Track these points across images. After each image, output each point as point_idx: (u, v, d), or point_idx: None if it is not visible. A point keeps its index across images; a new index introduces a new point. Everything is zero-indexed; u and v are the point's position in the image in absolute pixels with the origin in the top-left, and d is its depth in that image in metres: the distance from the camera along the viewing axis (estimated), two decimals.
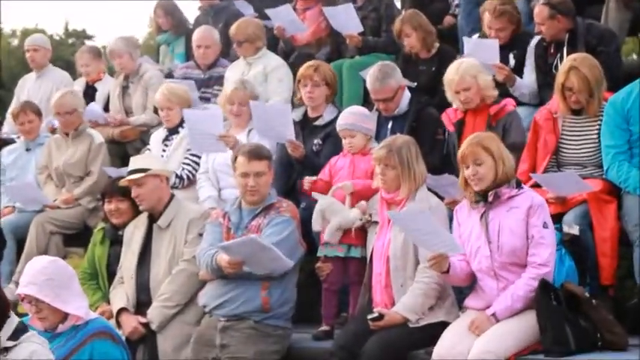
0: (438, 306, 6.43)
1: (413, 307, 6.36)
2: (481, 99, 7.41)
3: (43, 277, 5.40)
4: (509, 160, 6.14)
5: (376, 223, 6.88)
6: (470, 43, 8.31)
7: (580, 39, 8.03)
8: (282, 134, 7.67)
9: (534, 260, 5.95)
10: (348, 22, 9.57)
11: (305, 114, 8.12)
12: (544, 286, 5.93)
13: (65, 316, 5.48)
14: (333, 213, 7.07)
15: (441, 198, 6.95)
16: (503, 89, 7.91)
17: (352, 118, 7.46)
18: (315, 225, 7.16)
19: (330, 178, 7.41)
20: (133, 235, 7.41)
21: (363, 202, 7.07)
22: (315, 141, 7.94)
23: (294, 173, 7.90)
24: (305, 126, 8.06)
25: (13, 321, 4.99)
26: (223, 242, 6.84)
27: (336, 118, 7.80)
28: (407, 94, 7.88)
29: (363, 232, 7.07)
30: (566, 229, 6.53)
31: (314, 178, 7.41)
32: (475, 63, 7.52)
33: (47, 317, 5.46)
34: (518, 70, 8.27)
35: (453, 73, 7.43)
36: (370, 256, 6.78)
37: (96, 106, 9.85)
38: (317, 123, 8.01)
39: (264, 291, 6.80)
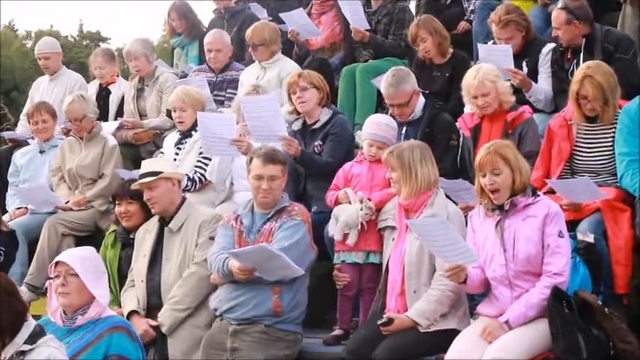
0: (450, 314, 6.43)
1: (424, 312, 6.36)
2: (499, 105, 7.41)
3: (80, 254, 5.68)
4: (526, 169, 6.13)
5: (393, 228, 6.90)
6: (483, 49, 8.31)
7: (597, 45, 8.01)
8: (274, 130, 7.65)
9: (550, 269, 5.93)
10: (355, 15, 9.63)
11: (304, 122, 8.16)
12: (556, 293, 5.90)
13: (87, 303, 5.57)
14: (341, 213, 7.15)
15: (454, 203, 6.95)
16: (519, 97, 7.90)
17: (382, 130, 7.50)
18: (331, 229, 7.21)
19: (345, 184, 7.44)
20: (144, 238, 7.43)
21: (360, 193, 7.16)
22: (316, 143, 8.01)
23: (301, 179, 7.95)
24: (305, 133, 8.12)
25: (30, 324, 5.03)
26: (235, 247, 6.88)
27: (332, 118, 7.94)
28: (421, 100, 7.90)
29: (380, 236, 7.11)
30: (580, 237, 6.51)
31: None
32: (494, 68, 7.52)
33: (71, 294, 5.55)
34: (532, 78, 8.23)
35: (471, 78, 7.42)
36: (387, 262, 6.80)
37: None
38: (315, 127, 8.08)
39: (275, 295, 6.81)
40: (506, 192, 6.05)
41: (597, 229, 6.53)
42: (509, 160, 6.05)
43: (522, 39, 8.44)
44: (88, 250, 5.83)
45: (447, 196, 6.90)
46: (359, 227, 7.11)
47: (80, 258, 5.63)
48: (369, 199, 7.17)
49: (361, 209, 7.08)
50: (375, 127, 7.54)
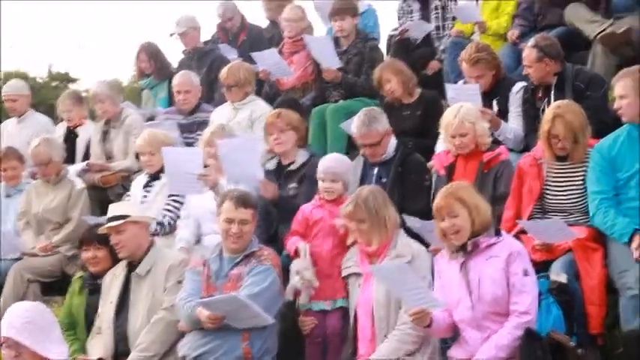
0: (420, 352, 6.46)
1: (387, 352, 6.40)
2: (475, 145, 7.51)
3: (23, 320, 5.39)
4: (485, 208, 6.20)
5: (358, 275, 6.95)
6: (451, 88, 8.42)
7: (568, 83, 8.13)
8: (251, 173, 7.72)
9: (516, 309, 5.98)
10: (326, 54, 9.70)
11: (279, 163, 8.21)
12: (529, 335, 5.95)
13: None
14: (292, 274, 7.25)
15: (426, 244, 7.01)
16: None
17: (338, 164, 7.58)
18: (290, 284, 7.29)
19: (306, 229, 7.49)
20: (112, 283, 7.43)
21: (300, 267, 7.18)
22: (291, 185, 8.06)
23: (274, 221, 7.97)
24: (280, 174, 8.16)
25: None
26: (203, 292, 6.90)
27: (309, 160, 8.01)
28: (393, 140, 7.98)
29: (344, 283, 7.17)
30: (553, 277, 6.56)
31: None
32: (474, 108, 7.62)
33: None
34: (502, 117, 8.34)
35: (452, 117, 7.51)
36: (354, 309, 6.84)
37: None
38: (291, 168, 8.14)
39: (245, 342, 6.81)
40: (467, 232, 6.12)
41: (570, 269, 6.58)
42: (466, 201, 6.13)
43: (492, 77, 8.55)
44: (30, 311, 5.49)
45: (419, 237, 6.98)
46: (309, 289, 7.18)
47: (23, 325, 5.36)
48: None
49: (298, 282, 7.15)
50: (324, 162, 7.63)
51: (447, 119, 7.55)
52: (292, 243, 7.42)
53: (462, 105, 7.64)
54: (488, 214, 6.22)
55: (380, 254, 6.66)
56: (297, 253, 7.34)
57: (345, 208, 6.78)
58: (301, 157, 8.19)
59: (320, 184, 7.57)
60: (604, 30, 8.97)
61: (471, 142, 7.48)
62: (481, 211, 6.14)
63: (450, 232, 6.14)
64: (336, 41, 10.03)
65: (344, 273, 7.17)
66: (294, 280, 7.18)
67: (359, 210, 6.69)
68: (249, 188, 7.52)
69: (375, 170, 7.93)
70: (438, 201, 6.21)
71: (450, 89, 8.43)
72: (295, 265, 7.25)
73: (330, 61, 9.71)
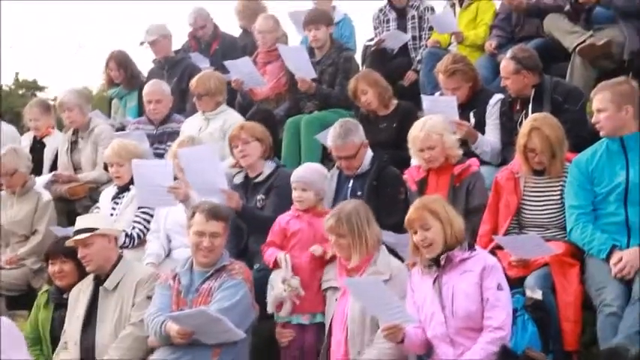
0: None
1: None
2: (445, 158, 7.50)
3: None
4: (458, 222, 6.20)
5: (336, 288, 6.94)
6: (427, 100, 8.42)
7: (546, 96, 8.14)
8: (214, 183, 7.67)
9: (490, 324, 5.97)
10: (301, 64, 9.68)
11: (246, 176, 8.20)
12: (504, 352, 5.94)
13: None
14: (274, 284, 7.21)
15: (401, 258, 7.00)
16: (465, 149, 7.99)
17: (309, 173, 7.57)
18: (269, 295, 7.26)
19: (284, 239, 7.45)
20: (78, 298, 7.37)
21: (287, 276, 7.15)
22: (259, 197, 8.04)
23: (244, 235, 7.93)
24: (247, 187, 8.15)
25: None
26: (172, 307, 6.86)
27: (275, 171, 8.03)
28: (369, 153, 7.97)
29: (323, 297, 7.16)
30: (528, 293, 6.55)
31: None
32: (441, 121, 7.61)
33: None
34: (479, 129, 8.35)
35: (418, 130, 7.52)
36: (330, 323, 6.82)
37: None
38: (257, 180, 8.12)
39: (215, 357, 6.77)
40: (439, 245, 6.12)
41: (545, 284, 6.57)
42: (439, 214, 6.14)
43: (469, 89, 8.55)
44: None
45: (394, 251, 6.96)
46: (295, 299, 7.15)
47: None
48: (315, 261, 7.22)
49: (285, 290, 7.11)
50: (296, 171, 7.64)
51: (414, 133, 7.57)
52: (271, 254, 7.40)
53: (429, 118, 7.66)
54: (462, 227, 6.22)
55: (359, 270, 6.63)
56: (276, 264, 7.31)
57: (327, 222, 6.75)
58: (268, 168, 8.18)
59: (293, 193, 7.54)
60: (583, 41, 8.98)
61: (440, 154, 7.48)
62: (454, 224, 6.15)
63: (423, 245, 6.13)
64: (311, 51, 10.02)
65: (323, 286, 7.18)
66: (279, 289, 7.13)
67: (340, 225, 6.67)
68: (213, 197, 7.49)
69: (350, 183, 7.94)
70: (410, 213, 6.23)
71: (426, 101, 8.43)
72: (278, 275, 7.22)
73: (305, 72, 9.69)
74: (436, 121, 7.59)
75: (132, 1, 49.08)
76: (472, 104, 8.50)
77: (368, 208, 6.80)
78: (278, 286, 7.16)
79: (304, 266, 7.29)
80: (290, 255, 7.31)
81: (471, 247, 6.21)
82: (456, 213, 6.26)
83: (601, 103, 6.70)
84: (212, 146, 8.15)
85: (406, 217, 6.26)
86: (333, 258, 7.11)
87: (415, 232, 6.17)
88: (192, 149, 8.04)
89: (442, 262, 6.12)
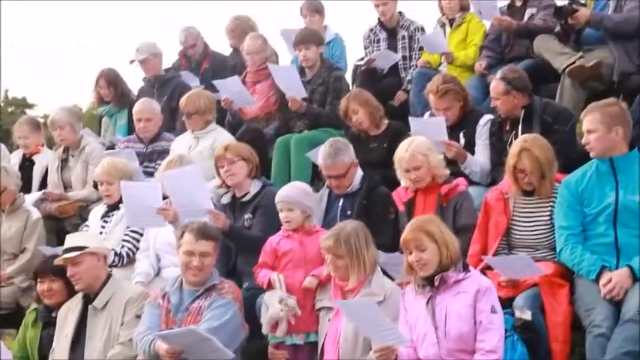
0: None
1: None
2: (432, 178, 7.54)
3: None
4: (454, 243, 6.22)
5: (330, 309, 6.96)
6: (415, 122, 8.46)
7: (536, 116, 8.19)
8: (200, 204, 7.70)
9: (483, 347, 5.98)
10: (291, 83, 9.72)
11: (233, 195, 8.23)
12: None
13: None
14: (269, 304, 7.21)
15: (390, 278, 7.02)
16: (455, 169, 8.04)
17: (292, 191, 7.58)
18: (263, 315, 7.27)
19: (275, 260, 7.48)
20: (67, 316, 7.37)
21: (284, 295, 7.17)
22: (246, 216, 8.06)
23: (232, 254, 7.97)
24: (234, 206, 8.18)
25: None
26: (161, 326, 6.86)
27: (262, 190, 8.05)
28: (359, 172, 8.01)
29: (317, 317, 7.18)
30: (517, 313, 6.57)
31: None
32: (426, 141, 7.65)
33: None
34: (469, 149, 8.40)
35: (403, 151, 7.56)
36: (323, 342, 6.84)
37: None
38: (244, 199, 8.15)
39: None
40: (434, 266, 6.14)
41: (535, 305, 6.60)
42: (434, 235, 6.15)
43: (460, 109, 8.60)
44: None
45: (384, 271, 6.98)
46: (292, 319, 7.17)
47: None
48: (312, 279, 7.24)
49: (282, 310, 7.13)
50: (280, 192, 7.65)
51: (400, 154, 7.61)
52: (264, 275, 7.41)
53: (414, 138, 7.70)
54: (457, 248, 6.24)
55: (354, 291, 6.64)
56: (269, 285, 7.34)
57: (325, 241, 6.75)
58: (254, 187, 8.20)
59: (280, 214, 7.57)
60: (573, 63, 9.05)
61: (426, 174, 7.52)
62: (450, 246, 6.17)
63: (418, 265, 6.15)
64: (301, 70, 10.07)
65: (317, 306, 7.20)
66: (276, 309, 7.15)
67: (339, 246, 6.66)
68: (199, 219, 7.52)
69: (340, 202, 7.97)
70: (405, 234, 6.24)
71: (414, 123, 8.46)
72: (273, 295, 7.23)
73: (296, 91, 9.73)
74: (421, 141, 7.63)
75: (132, 1, 49.18)
76: (462, 124, 8.55)
77: (367, 231, 6.80)
78: (274, 306, 7.17)
79: (297, 286, 7.31)
80: (282, 275, 7.34)
81: (466, 268, 6.22)
82: (451, 234, 6.28)
83: (591, 124, 6.74)
84: (197, 167, 8.11)
85: (402, 237, 6.28)
86: (327, 278, 7.13)
87: (410, 253, 6.19)
88: (177, 171, 8.04)
89: (436, 283, 6.14)
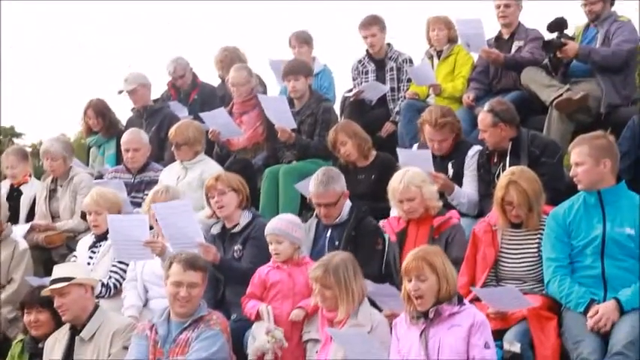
0: None
1: None
2: (425, 209, 7.56)
3: None
4: (454, 277, 6.23)
5: (317, 341, 6.96)
6: (403, 154, 8.48)
7: (523, 149, 8.21)
8: (190, 236, 7.71)
9: None
10: (281, 114, 9.74)
11: (223, 226, 8.24)
12: None
13: None
14: (256, 335, 7.21)
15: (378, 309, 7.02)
16: (447, 201, 8.07)
17: (281, 224, 7.59)
18: (250, 346, 7.26)
19: (264, 291, 7.48)
20: (54, 347, 7.35)
21: (271, 327, 7.17)
22: (235, 247, 8.06)
23: (220, 285, 7.96)
24: (224, 237, 8.18)
25: None
26: (149, 358, 6.84)
27: (252, 221, 8.06)
28: (348, 203, 8.02)
29: (304, 349, 7.18)
30: (507, 346, 6.56)
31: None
32: (420, 172, 7.67)
33: None
34: (457, 179, 8.43)
35: (397, 182, 7.57)
36: None
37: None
38: (234, 230, 8.15)
39: None
40: (431, 299, 6.14)
41: (524, 338, 6.60)
42: (436, 268, 6.15)
43: (452, 141, 8.63)
44: None
45: (372, 302, 6.98)
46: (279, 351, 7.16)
47: None
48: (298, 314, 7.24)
49: (268, 341, 7.12)
50: (268, 224, 7.66)
51: (393, 185, 7.62)
52: (252, 306, 7.42)
53: (408, 169, 7.72)
54: (456, 283, 6.27)
55: (341, 321, 6.64)
56: (257, 316, 7.33)
57: (314, 272, 6.76)
58: (244, 218, 8.20)
59: (269, 247, 7.59)
60: (560, 95, 9.10)
61: (420, 206, 7.54)
62: (450, 279, 6.17)
63: (414, 295, 6.14)
64: (290, 101, 10.09)
65: (304, 337, 7.20)
66: (262, 340, 7.14)
67: (328, 277, 6.67)
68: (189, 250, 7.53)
69: (329, 232, 7.98)
70: (408, 262, 6.22)
71: (402, 154, 8.49)
72: (261, 326, 7.23)
73: (285, 122, 9.74)
74: (415, 172, 7.65)
75: (131, 1, 49.30)
76: (451, 155, 8.59)
77: (355, 262, 6.81)
78: (261, 338, 7.16)
79: (285, 318, 7.31)
80: (271, 306, 7.34)
81: (461, 301, 6.23)
82: (452, 267, 6.28)
83: (579, 156, 6.76)
84: (188, 201, 8.13)
85: (404, 264, 6.27)
86: (314, 310, 7.14)
87: (410, 281, 6.18)
88: (167, 204, 8.04)
89: (431, 315, 6.14)
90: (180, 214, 7.73)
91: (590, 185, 6.75)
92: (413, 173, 7.61)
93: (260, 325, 7.27)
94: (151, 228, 8.02)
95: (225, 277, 7.94)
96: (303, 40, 11.39)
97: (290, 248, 7.50)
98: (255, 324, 7.33)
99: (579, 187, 6.82)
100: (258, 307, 7.35)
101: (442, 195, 8.05)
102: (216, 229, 8.27)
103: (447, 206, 7.90)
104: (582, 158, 6.74)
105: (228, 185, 8.20)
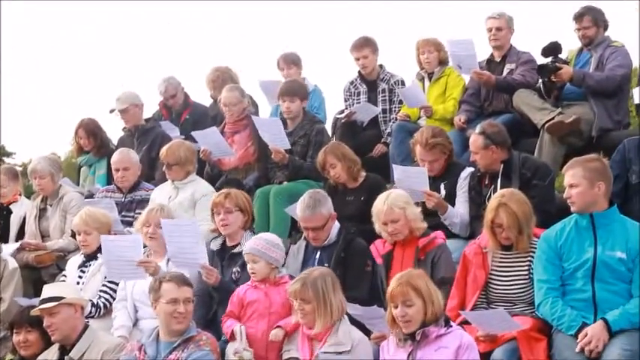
0: None
1: None
2: (410, 231, 7.57)
3: None
4: (439, 299, 6.26)
5: (297, 359, 6.96)
6: (399, 170, 8.49)
7: (514, 171, 8.24)
8: (194, 257, 7.73)
9: None
10: (275, 136, 9.76)
11: (224, 243, 8.23)
12: None
13: None
14: (229, 355, 7.24)
15: (367, 331, 7.03)
16: (433, 221, 8.07)
17: (258, 243, 7.62)
18: None
19: (241, 310, 7.49)
20: None
21: (240, 348, 7.19)
22: (234, 269, 8.05)
23: (214, 304, 7.95)
24: (224, 255, 8.18)
25: None
26: None
27: None
28: (336, 224, 8.02)
29: None
30: None
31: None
32: (403, 194, 7.71)
33: None
34: (449, 200, 8.44)
35: (381, 204, 7.60)
36: None
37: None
38: (235, 251, 8.16)
39: None
40: (418, 323, 6.17)
41: (512, 357, 6.63)
42: (421, 291, 6.19)
43: (444, 162, 8.65)
44: None
45: (361, 324, 6.99)
46: None
47: None
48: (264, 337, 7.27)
49: None
50: (251, 242, 7.67)
51: (377, 207, 7.64)
52: (228, 326, 7.44)
53: (391, 191, 7.75)
54: (442, 304, 6.30)
55: (321, 339, 6.65)
56: (233, 336, 7.34)
57: (292, 286, 6.81)
58: (246, 239, 8.15)
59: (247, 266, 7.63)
60: (552, 118, 9.13)
61: (404, 227, 7.55)
62: (435, 302, 6.21)
63: (401, 320, 6.16)
64: (283, 122, 10.09)
65: (284, 356, 7.18)
66: None
67: (305, 290, 6.71)
68: (185, 270, 7.54)
69: (318, 254, 7.97)
70: (393, 288, 6.26)
71: (397, 171, 8.49)
72: (232, 347, 7.23)
73: (279, 143, 9.76)
74: (398, 194, 7.69)
75: (131, 1, 49.35)
76: (443, 176, 8.61)
77: (335, 276, 6.88)
78: (230, 359, 7.19)
79: (260, 336, 7.33)
80: (246, 325, 7.37)
81: (447, 323, 6.26)
82: (436, 289, 6.32)
83: (574, 178, 6.76)
84: (195, 222, 8.12)
85: (388, 290, 6.31)
86: (293, 328, 7.14)
87: (396, 307, 6.22)
88: (175, 221, 8.12)
89: (418, 337, 6.17)
90: (186, 233, 7.75)
91: (583, 207, 6.76)
92: (396, 195, 7.64)
93: (234, 345, 7.27)
94: (144, 246, 8.02)
95: (220, 298, 7.91)
96: (291, 61, 11.41)
97: (266, 268, 7.52)
98: (229, 344, 7.34)
99: (572, 209, 6.83)
100: (233, 327, 7.36)
101: (433, 214, 8.06)
102: (215, 245, 8.27)
103: (434, 227, 7.90)
104: (577, 180, 6.74)
105: (236, 205, 8.23)
